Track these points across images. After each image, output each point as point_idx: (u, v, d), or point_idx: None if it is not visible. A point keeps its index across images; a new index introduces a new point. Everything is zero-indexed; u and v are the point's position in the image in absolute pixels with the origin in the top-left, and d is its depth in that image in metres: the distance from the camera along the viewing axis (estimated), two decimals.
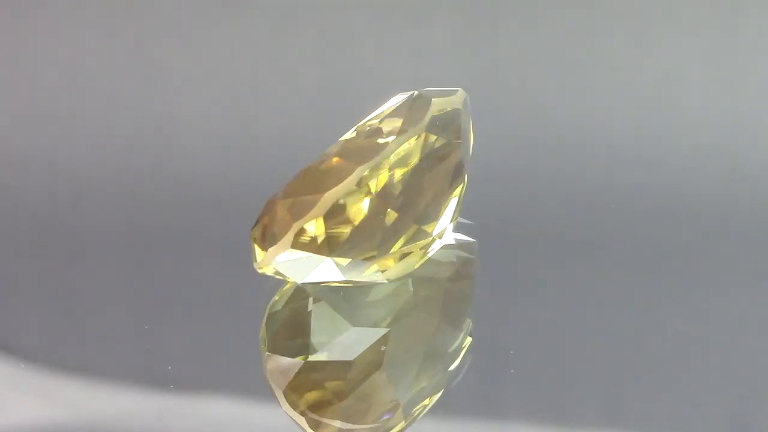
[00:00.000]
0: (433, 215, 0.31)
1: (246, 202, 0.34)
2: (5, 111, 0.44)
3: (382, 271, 0.30)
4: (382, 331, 0.30)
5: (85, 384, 0.30)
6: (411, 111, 0.32)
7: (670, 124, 0.42)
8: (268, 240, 0.29)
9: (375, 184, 0.30)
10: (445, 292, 0.32)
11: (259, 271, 0.29)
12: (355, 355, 0.30)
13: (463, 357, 0.31)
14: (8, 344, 0.31)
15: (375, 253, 0.30)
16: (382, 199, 0.30)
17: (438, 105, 0.32)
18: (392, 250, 0.30)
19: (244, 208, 0.33)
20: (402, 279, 0.32)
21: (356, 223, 0.29)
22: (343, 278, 0.30)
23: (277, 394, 0.29)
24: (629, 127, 0.42)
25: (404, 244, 0.30)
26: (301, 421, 0.29)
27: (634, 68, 0.45)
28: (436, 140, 0.31)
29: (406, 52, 0.45)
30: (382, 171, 0.30)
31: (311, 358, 0.30)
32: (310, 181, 0.30)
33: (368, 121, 0.32)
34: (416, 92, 0.33)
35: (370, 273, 0.30)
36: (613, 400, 0.30)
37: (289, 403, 0.29)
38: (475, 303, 0.32)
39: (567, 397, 0.30)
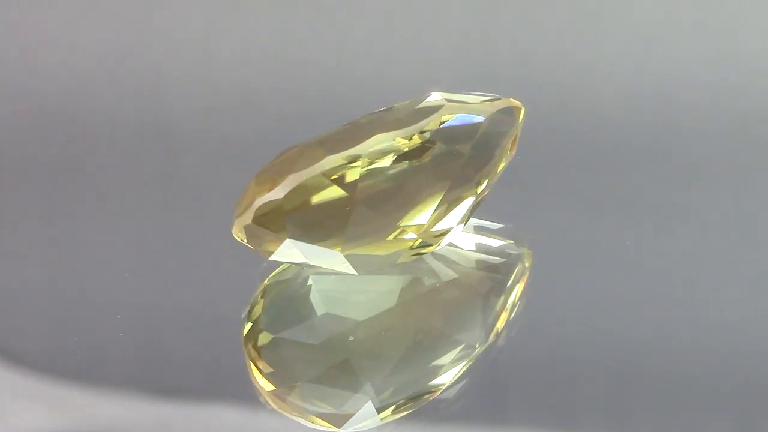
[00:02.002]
0: (422, 217, 0.30)
1: None
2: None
3: (351, 263, 0.30)
4: (354, 321, 0.31)
5: (85, 390, 0.30)
6: (415, 112, 0.32)
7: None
8: (238, 210, 0.30)
9: (345, 175, 0.30)
10: (458, 298, 0.32)
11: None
12: (321, 340, 0.30)
13: (463, 368, 0.30)
14: (8, 349, 0.32)
15: (340, 243, 0.30)
16: (352, 191, 0.30)
17: (452, 111, 0.32)
18: (364, 244, 0.30)
19: None
20: (398, 275, 0.32)
21: (317, 209, 0.30)
22: (306, 261, 0.30)
23: (247, 363, 0.30)
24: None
25: (379, 241, 0.30)
26: (265, 393, 0.30)
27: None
28: (440, 147, 0.31)
29: None
30: (355, 164, 0.30)
31: (279, 335, 0.31)
32: (287, 161, 0.30)
33: (372, 113, 0.32)
34: (436, 93, 0.33)
35: (335, 262, 0.30)
36: None
37: (255, 374, 0.30)
38: (509, 316, 0.32)
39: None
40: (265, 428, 0.30)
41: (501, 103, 0.33)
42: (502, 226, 0.35)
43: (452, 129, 0.32)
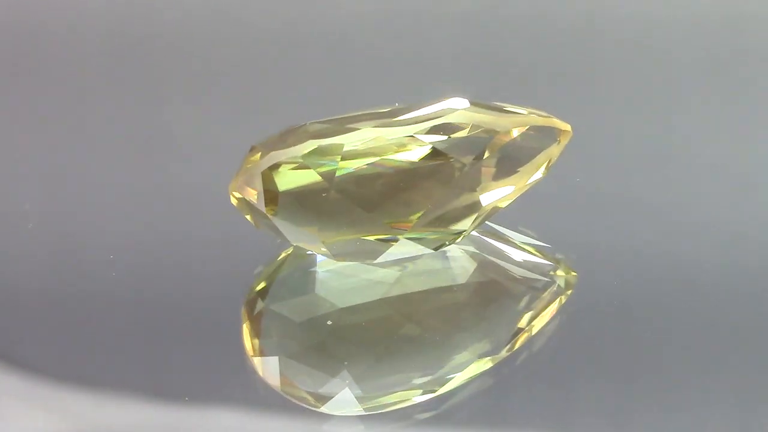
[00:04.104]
0: (409, 219, 0.30)
1: None
2: None
3: (331, 250, 0.31)
4: (333, 306, 0.31)
5: (87, 394, 0.30)
6: (420, 113, 0.31)
7: None
8: (232, 179, 0.31)
9: (324, 162, 0.30)
10: (471, 304, 0.32)
11: None
12: (302, 319, 0.31)
13: (465, 375, 0.30)
14: (11, 354, 0.31)
15: (316, 229, 0.30)
16: (329, 179, 0.30)
17: (461, 118, 0.31)
18: (344, 234, 0.30)
19: None
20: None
21: (297, 191, 0.30)
22: (288, 240, 0.31)
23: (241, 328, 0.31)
24: None
25: (361, 233, 0.30)
26: (252, 361, 0.30)
27: None
28: (437, 152, 0.31)
29: None
30: (335, 154, 0.30)
31: (273, 306, 0.31)
32: (280, 138, 0.31)
33: (381, 107, 0.32)
34: (457, 99, 0.32)
35: (315, 246, 0.31)
36: None
37: (245, 342, 0.31)
38: (530, 333, 0.31)
39: None
40: (265, 428, 0.30)
41: (541, 121, 0.32)
42: (549, 245, 0.34)
43: (458, 138, 0.31)
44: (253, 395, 0.30)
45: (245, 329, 0.31)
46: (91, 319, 0.33)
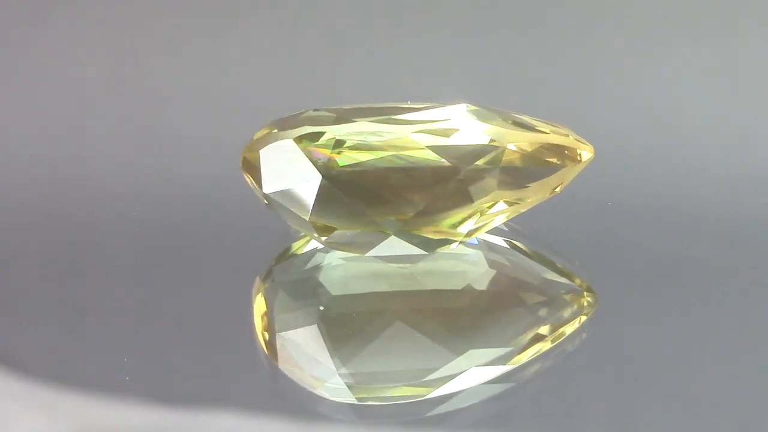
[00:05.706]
0: (400, 217, 0.31)
1: None
2: None
3: (324, 238, 0.31)
4: (327, 293, 0.32)
5: (89, 397, 0.30)
6: (428, 116, 0.31)
7: None
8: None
9: (318, 151, 0.31)
10: (477, 309, 0.32)
11: None
12: (300, 302, 0.32)
13: (463, 380, 0.30)
14: (11, 355, 0.31)
15: (306, 214, 0.31)
16: (324, 169, 0.30)
17: (473, 126, 0.31)
18: (335, 223, 0.31)
19: None
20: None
21: (290, 175, 0.31)
22: (288, 222, 0.32)
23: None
24: None
25: (352, 225, 0.31)
26: (258, 335, 0.31)
27: None
28: (432, 155, 0.31)
29: None
30: (325, 145, 0.30)
31: (279, 283, 0.33)
32: (287, 120, 0.31)
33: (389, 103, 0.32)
34: (464, 104, 0.32)
35: (308, 230, 0.31)
36: None
37: (255, 314, 0.32)
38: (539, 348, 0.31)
39: None
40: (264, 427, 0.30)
41: (559, 140, 0.32)
42: (574, 264, 0.34)
43: (461, 143, 0.31)
44: (254, 391, 0.30)
45: (255, 303, 0.32)
46: (89, 319, 0.33)
